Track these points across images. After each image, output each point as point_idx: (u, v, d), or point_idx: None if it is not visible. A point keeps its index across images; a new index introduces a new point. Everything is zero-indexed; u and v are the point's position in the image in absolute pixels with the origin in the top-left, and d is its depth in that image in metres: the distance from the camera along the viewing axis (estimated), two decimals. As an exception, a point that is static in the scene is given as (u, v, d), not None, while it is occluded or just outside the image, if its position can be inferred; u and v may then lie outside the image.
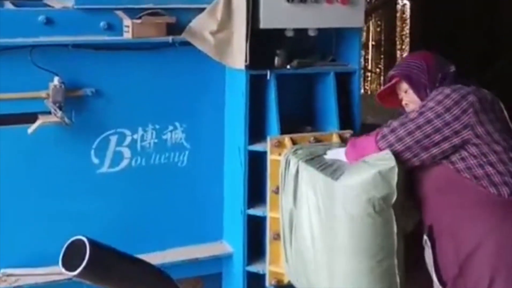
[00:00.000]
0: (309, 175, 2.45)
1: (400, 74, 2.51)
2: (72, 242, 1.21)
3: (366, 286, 2.26)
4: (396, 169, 2.20)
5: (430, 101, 2.31)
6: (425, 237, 2.37)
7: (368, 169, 2.24)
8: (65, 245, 1.21)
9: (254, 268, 2.84)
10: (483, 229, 2.20)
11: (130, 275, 1.27)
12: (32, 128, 2.59)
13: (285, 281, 2.73)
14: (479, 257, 2.20)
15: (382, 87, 2.78)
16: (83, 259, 1.13)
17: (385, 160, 2.22)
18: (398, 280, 2.25)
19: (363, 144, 2.39)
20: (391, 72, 2.58)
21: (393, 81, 2.54)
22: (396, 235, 2.25)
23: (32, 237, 2.69)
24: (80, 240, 1.19)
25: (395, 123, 2.33)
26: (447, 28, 6.54)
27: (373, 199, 2.21)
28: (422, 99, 2.40)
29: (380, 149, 2.29)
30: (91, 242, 1.20)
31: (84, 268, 1.13)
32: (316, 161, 2.50)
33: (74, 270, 1.13)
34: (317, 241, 2.41)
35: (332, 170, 2.38)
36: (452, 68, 2.47)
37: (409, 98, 2.50)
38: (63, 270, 1.17)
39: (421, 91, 2.43)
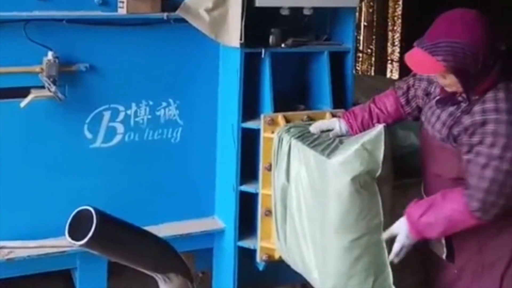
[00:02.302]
0: (301, 153, 2.48)
1: (450, 66, 2.04)
2: (78, 212, 1.23)
3: (355, 260, 2.30)
4: (382, 139, 2.18)
5: (494, 148, 2.03)
6: None
7: (354, 144, 2.25)
8: (71, 215, 1.23)
9: (246, 243, 2.87)
10: (504, 219, 2.18)
11: (137, 245, 1.29)
12: (24, 102, 2.59)
13: (276, 256, 2.77)
14: (499, 241, 2.23)
15: (415, 62, 2.13)
16: (90, 229, 1.15)
17: (371, 133, 2.22)
18: (386, 254, 2.28)
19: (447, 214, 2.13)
20: (433, 53, 2.04)
21: (435, 71, 2.09)
22: (382, 209, 2.24)
23: (25, 210, 2.70)
24: (87, 210, 1.21)
25: (476, 184, 2.08)
26: (440, 9, 6.54)
27: (358, 174, 2.20)
28: (465, 90, 2.11)
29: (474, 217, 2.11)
30: (98, 212, 1.21)
31: (91, 237, 1.14)
32: (309, 139, 2.52)
33: (81, 240, 1.14)
34: (309, 218, 2.44)
35: (324, 147, 2.40)
36: (503, 46, 2.09)
37: (450, 82, 2.13)
38: (69, 240, 1.19)
39: (468, 82, 2.08)
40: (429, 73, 2.19)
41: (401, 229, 2.22)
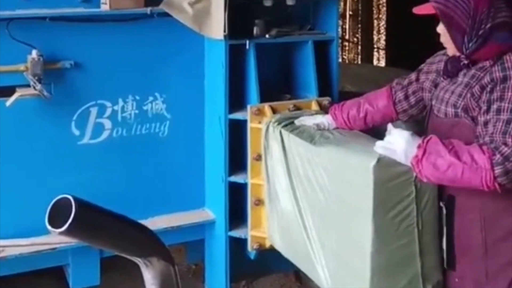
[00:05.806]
0: (291, 141, 2.48)
1: (441, 10, 2.07)
2: (57, 201, 1.24)
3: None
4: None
5: None
6: (441, 203, 2.15)
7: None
8: (50, 205, 1.24)
9: (236, 233, 2.90)
10: None
11: (116, 230, 1.30)
12: (9, 101, 2.59)
13: (267, 245, 2.80)
14: (509, 243, 2.07)
15: (419, 6, 2.17)
16: (69, 216, 1.16)
17: None
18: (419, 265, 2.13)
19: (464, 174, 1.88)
20: None
21: (430, 11, 2.10)
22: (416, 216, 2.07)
23: (15, 209, 2.71)
24: (66, 198, 1.22)
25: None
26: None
27: (394, 175, 2.04)
28: (457, 47, 2.09)
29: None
30: (76, 199, 1.23)
31: (71, 224, 1.16)
32: (296, 128, 2.52)
33: (61, 227, 1.16)
34: (318, 219, 2.36)
35: (314, 136, 2.39)
36: (504, 17, 2.04)
37: (444, 38, 2.13)
38: (49, 227, 1.20)
39: (458, 38, 2.07)
40: (421, 12, 2.14)
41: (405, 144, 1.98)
